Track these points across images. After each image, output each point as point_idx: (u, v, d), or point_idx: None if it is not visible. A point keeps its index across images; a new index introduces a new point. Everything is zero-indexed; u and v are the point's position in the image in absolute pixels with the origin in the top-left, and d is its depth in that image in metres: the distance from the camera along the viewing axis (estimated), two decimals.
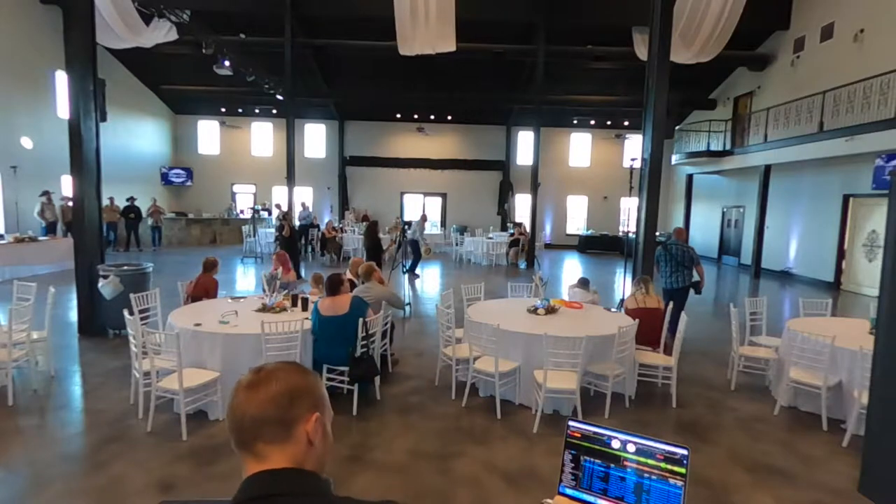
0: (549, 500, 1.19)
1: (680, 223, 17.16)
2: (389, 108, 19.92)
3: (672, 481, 1.09)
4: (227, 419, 0.92)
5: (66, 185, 13.19)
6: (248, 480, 0.88)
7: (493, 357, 4.36)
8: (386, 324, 5.15)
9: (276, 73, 14.09)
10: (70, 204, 12.58)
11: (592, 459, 1.16)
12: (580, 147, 20.64)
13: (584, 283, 6.67)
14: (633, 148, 18.82)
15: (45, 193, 12.51)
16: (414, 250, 12.25)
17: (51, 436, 3.92)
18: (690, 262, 6.68)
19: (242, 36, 14.21)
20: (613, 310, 5.97)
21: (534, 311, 5.21)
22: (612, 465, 1.14)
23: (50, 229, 12.34)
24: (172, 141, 20.21)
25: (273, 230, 14.70)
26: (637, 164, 7.38)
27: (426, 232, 15.40)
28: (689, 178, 17.40)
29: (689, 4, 10.56)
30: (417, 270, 12.19)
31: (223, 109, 19.79)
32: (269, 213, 17.65)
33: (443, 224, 20.43)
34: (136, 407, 4.21)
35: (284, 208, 14.94)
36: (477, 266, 14.51)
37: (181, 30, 12.05)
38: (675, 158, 17.18)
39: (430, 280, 12.06)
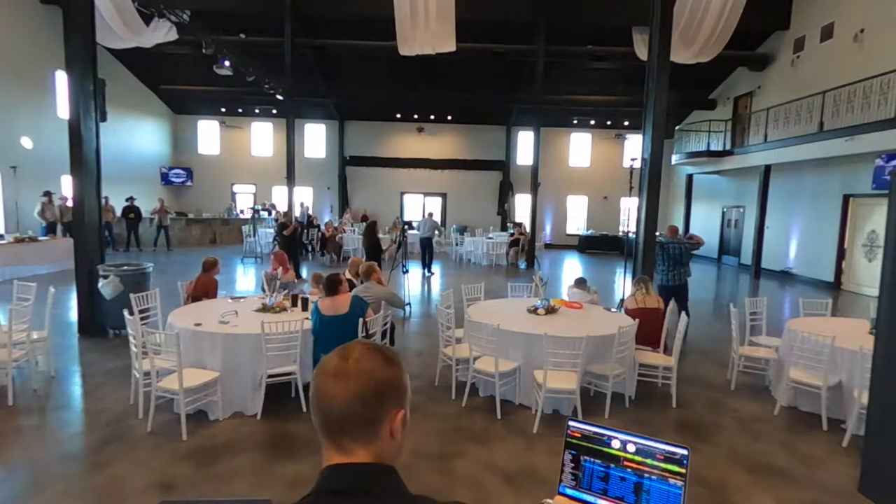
0: (549, 500, 1.19)
1: (680, 223, 17.16)
2: (389, 108, 19.92)
3: (672, 481, 1.09)
4: (313, 403, 0.90)
5: (66, 185, 13.19)
6: (331, 471, 0.87)
7: (493, 357, 4.36)
8: (386, 324, 5.15)
9: (276, 73, 14.10)
10: (69, 204, 12.63)
11: (592, 459, 1.16)
12: (580, 147, 20.65)
13: (581, 282, 6.67)
14: (633, 148, 18.83)
15: (47, 194, 12.51)
16: (428, 249, 12.68)
17: (51, 436, 3.92)
18: (688, 258, 6.74)
19: (242, 36, 14.21)
20: (613, 310, 5.98)
21: (534, 311, 5.20)
22: (612, 465, 1.14)
23: (50, 229, 12.34)
24: (172, 141, 20.21)
25: (272, 230, 14.69)
26: (637, 164, 7.38)
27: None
28: (689, 178, 17.40)
29: (689, 4, 10.56)
30: (433, 269, 12.85)
31: (223, 109, 19.80)
32: (270, 213, 17.65)
33: (443, 224, 20.42)
34: (136, 407, 4.21)
35: (279, 208, 14.96)
36: (477, 266, 14.51)
37: (181, 30, 12.06)
38: (675, 158, 17.18)
39: (430, 280, 12.06)
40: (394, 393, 0.90)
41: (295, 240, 11.46)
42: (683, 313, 5.08)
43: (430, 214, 14.26)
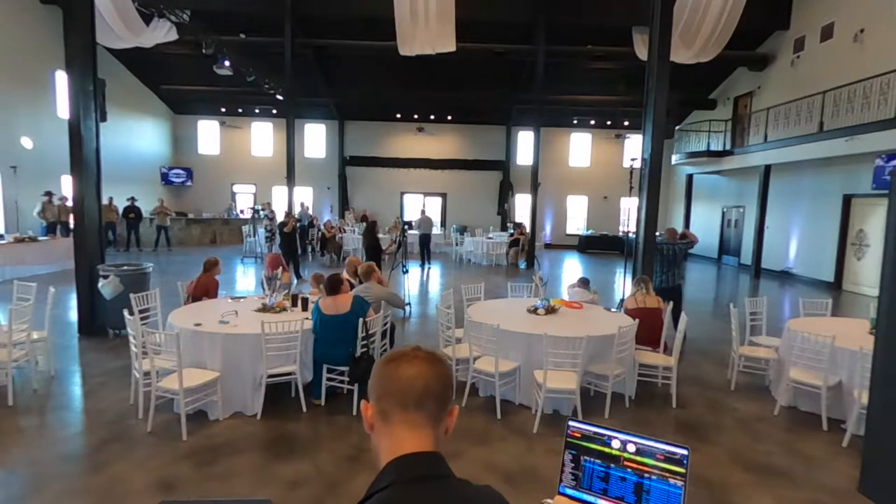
0: (549, 500, 1.19)
1: (680, 223, 17.17)
2: (389, 108, 19.92)
3: (672, 481, 1.09)
4: (387, 383, 0.95)
5: (66, 185, 13.19)
6: (405, 459, 0.90)
7: (493, 357, 4.36)
8: (385, 324, 5.15)
9: (276, 73, 14.10)
10: (68, 203, 12.62)
11: (592, 459, 1.16)
12: (580, 147, 20.65)
13: (584, 282, 6.68)
14: (633, 148, 18.82)
15: (48, 193, 12.51)
16: (426, 245, 13.64)
17: (51, 436, 3.92)
18: (683, 258, 6.76)
19: (242, 36, 14.21)
20: (613, 310, 5.98)
21: (534, 311, 5.20)
22: (613, 465, 1.14)
23: (50, 229, 12.34)
24: (172, 141, 20.21)
25: (263, 230, 14.66)
26: (637, 164, 7.38)
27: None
28: (689, 178, 17.40)
29: (689, 4, 10.56)
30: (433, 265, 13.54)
31: (223, 109, 19.79)
32: (262, 212, 17.61)
33: (443, 224, 20.42)
34: (136, 407, 4.21)
35: (271, 207, 14.96)
36: (477, 266, 14.51)
37: (181, 30, 12.05)
38: (675, 158, 17.17)
39: (430, 280, 12.06)
40: (453, 388, 1.00)
41: (294, 239, 11.44)
42: (683, 313, 5.08)
43: (423, 212, 15.27)
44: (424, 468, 0.90)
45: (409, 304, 8.47)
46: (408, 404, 0.93)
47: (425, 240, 13.74)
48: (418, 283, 11.35)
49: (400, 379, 0.94)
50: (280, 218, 12.79)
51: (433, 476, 0.89)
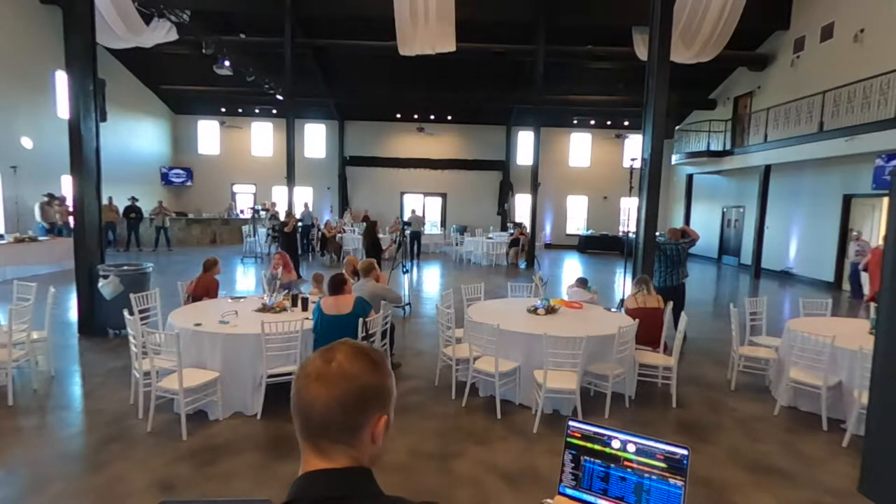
0: (549, 500, 1.19)
1: (680, 223, 17.14)
2: (389, 108, 19.92)
3: (672, 481, 1.09)
4: (293, 404, 0.88)
5: (67, 185, 13.19)
6: (307, 478, 0.86)
7: (493, 357, 4.36)
8: (386, 324, 5.15)
9: (276, 73, 14.10)
10: (68, 205, 12.62)
11: (592, 459, 1.16)
12: (580, 147, 20.65)
13: (582, 282, 6.68)
14: (633, 148, 18.82)
15: (49, 196, 12.48)
16: (416, 241, 14.74)
17: (51, 436, 3.92)
18: (685, 257, 6.77)
19: (242, 36, 14.21)
20: (613, 310, 5.98)
21: (534, 311, 5.20)
22: (613, 465, 1.14)
23: (50, 230, 12.32)
24: (172, 141, 20.21)
25: (266, 229, 14.67)
26: (637, 164, 7.38)
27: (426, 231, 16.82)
28: (689, 178, 17.40)
29: (689, 4, 10.57)
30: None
31: (223, 109, 19.80)
32: (266, 211, 17.64)
33: (443, 224, 20.43)
34: (136, 407, 4.20)
35: (276, 208, 14.99)
36: (477, 266, 14.51)
37: (181, 30, 12.06)
38: (675, 158, 17.17)
39: (430, 280, 12.07)
40: (377, 399, 0.88)
41: (295, 239, 11.44)
42: (683, 313, 5.08)
43: (413, 211, 16.77)
44: (324, 489, 0.84)
45: (409, 304, 8.47)
46: (308, 432, 0.87)
47: (415, 236, 14.76)
48: (416, 280, 11.35)
49: (301, 402, 0.86)
50: (282, 218, 12.80)
51: (330, 498, 0.83)
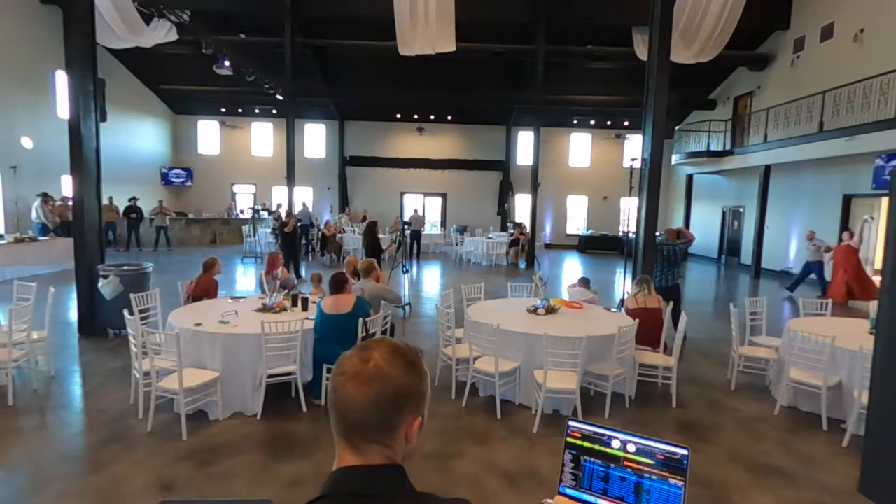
0: (549, 500, 1.19)
1: (680, 223, 17.16)
2: (389, 108, 19.92)
3: (672, 481, 1.09)
4: (330, 402, 0.90)
5: (67, 185, 13.19)
6: (343, 473, 0.87)
7: (493, 357, 4.36)
8: (386, 324, 5.15)
9: (276, 73, 14.10)
10: (63, 203, 12.62)
11: (592, 459, 1.16)
12: (580, 147, 20.65)
13: (584, 282, 6.69)
14: (633, 148, 18.83)
15: (43, 195, 12.47)
16: (417, 240, 15.10)
17: (51, 436, 3.92)
18: (681, 258, 6.80)
19: (242, 36, 14.21)
20: (613, 310, 5.98)
21: (534, 311, 5.20)
22: (613, 465, 1.14)
23: (47, 230, 12.31)
24: (172, 141, 20.21)
25: (269, 230, 14.69)
26: (637, 164, 7.38)
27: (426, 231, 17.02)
28: (689, 178, 17.40)
29: (689, 4, 10.57)
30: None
31: (223, 109, 19.79)
32: (269, 213, 17.66)
33: (443, 224, 20.43)
34: (136, 407, 4.20)
35: (281, 209, 15.01)
36: (477, 266, 14.50)
37: (181, 30, 12.06)
38: (675, 158, 17.17)
39: (430, 280, 12.07)
40: (412, 400, 0.89)
41: (295, 238, 11.44)
42: (683, 313, 5.08)
43: (416, 210, 17.03)
44: (359, 485, 0.85)
45: (409, 304, 8.47)
46: (343, 430, 0.88)
47: (415, 236, 15.06)
48: (417, 280, 11.35)
49: (337, 401, 0.88)
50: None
51: (366, 495, 0.84)
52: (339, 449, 0.89)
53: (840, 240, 10.47)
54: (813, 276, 10.84)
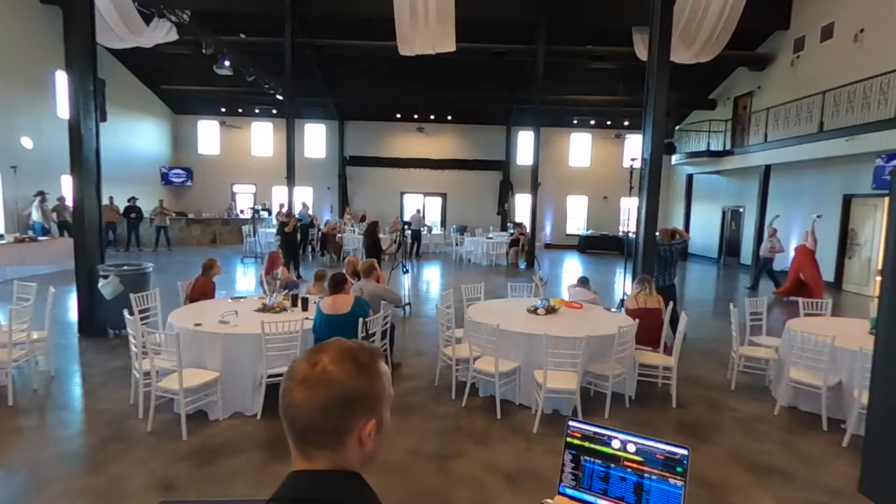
0: (549, 500, 1.19)
1: (680, 223, 17.17)
2: (389, 108, 19.92)
3: (672, 481, 1.09)
4: (280, 405, 0.88)
5: (67, 185, 13.18)
6: (292, 477, 0.87)
7: (493, 357, 4.36)
8: (386, 324, 5.15)
9: (276, 73, 14.09)
10: (67, 203, 12.60)
11: (592, 459, 1.16)
12: (580, 147, 20.65)
13: (584, 281, 6.69)
14: (633, 148, 18.82)
15: (40, 194, 12.46)
16: (417, 239, 15.40)
17: (51, 436, 3.92)
18: (677, 258, 6.84)
19: (242, 36, 14.21)
20: (613, 310, 5.98)
21: (534, 311, 5.20)
22: (613, 465, 1.14)
23: (46, 230, 12.31)
24: (172, 141, 20.21)
25: (272, 229, 14.70)
26: (637, 164, 7.38)
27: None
28: (689, 178, 17.40)
29: (689, 4, 10.56)
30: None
31: (223, 109, 19.79)
32: (270, 213, 17.65)
33: (443, 224, 20.42)
34: (136, 407, 4.20)
35: (286, 208, 15.01)
36: (477, 266, 14.50)
37: (181, 30, 12.05)
38: (675, 158, 17.17)
39: (430, 280, 12.06)
40: (364, 401, 0.86)
41: (295, 238, 11.43)
42: (683, 313, 5.08)
43: (418, 210, 17.38)
44: (304, 490, 0.84)
45: (409, 304, 8.47)
46: (293, 436, 0.87)
47: (415, 235, 15.38)
48: (418, 280, 11.35)
49: (286, 406, 0.86)
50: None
51: (310, 500, 0.83)
52: (292, 453, 0.88)
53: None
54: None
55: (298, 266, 11.32)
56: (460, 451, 3.78)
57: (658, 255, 6.81)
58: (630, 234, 8.97)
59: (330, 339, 0.92)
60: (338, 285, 4.50)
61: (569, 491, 1.18)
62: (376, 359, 0.90)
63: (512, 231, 16.20)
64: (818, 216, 10.25)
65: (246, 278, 11.50)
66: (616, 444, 1.15)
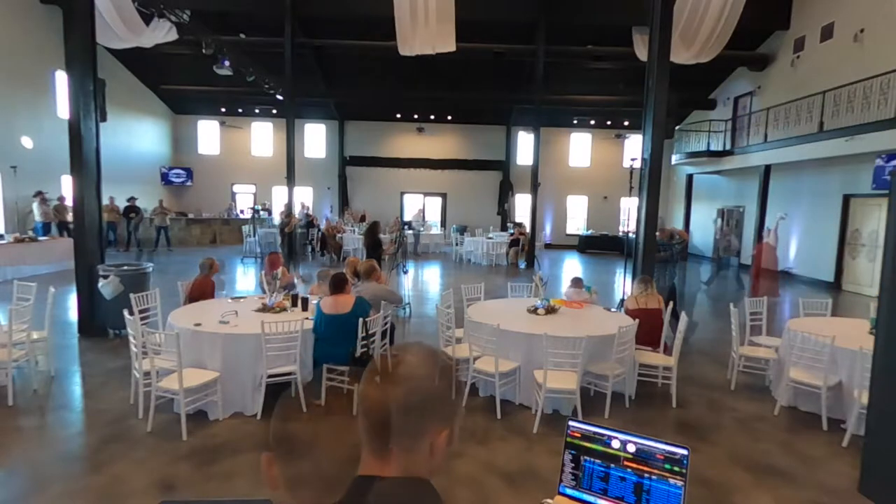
0: (549, 500, 1.19)
1: (680, 223, 17.17)
2: (389, 108, 19.92)
3: (672, 481, 1.09)
4: (359, 402, 0.87)
5: (67, 185, 13.18)
6: (361, 482, 0.84)
7: (493, 357, 4.36)
8: (386, 324, 5.15)
9: (276, 73, 14.09)
10: (67, 203, 12.61)
11: (592, 459, 1.16)
12: (580, 147, 20.64)
13: (577, 282, 6.68)
14: (633, 148, 18.82)
15: (39, 194, 12.46)
16: (417, 238, 15.79)
17: (51, 436, 3.92)
18: (682, 258, 6.83)
19: (242, 36, 14.20)
20: (613, 310, 5.98)
21: (534, 311, 5.20)
22: (612, 465, 1.14)
23: (46, 229, 12.32)
24: (172, 141, 20.21)
25: (272, 230, 14.70)
26: (637, 164, 7.38)
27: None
28: (689, 178, 17.40)
29: (689, 4, 10.56)
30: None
31: (223, 109, 19.78)
32: (269, 213, 17.65)
33: (443, 224, 20.42)
34: (136, 407, 4.20)
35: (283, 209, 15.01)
36: (477, 266, 14.50)
37: (181, 30, 12.04)
38: (675, 158, 17.16)
39: (430, 280, 12.06)
40: (441, 409, 0.86)
41: (293, 238, 11.43)
42: (683, 314, 5.08)
43: (420, 210, 18.03)
44: (374, 495, 0.82)
45: (409, 304, 8.46)
46: (366, 433, 0.86)
47: (415, 235, 15.88)
48: (419, 280, 11.35)
49: (361, 401, 0.86)
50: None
51: None
52: (363, 453, 0.87)
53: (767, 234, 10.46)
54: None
55: (298, 266, 11.32)
56: (460, 451, 3.77)
57: (658, 252, 6.81)
58: (630, 235, 8.97)
59: (413, 342, 0.93)
60: (339, 285, 4.51)
61: (569, 491, 1.18)
62: (455, 370, 0.92)
63: (512, 231, 16.20)
64: (783, 216, 10.35)
65: (246, 278, 11.50)
66: (616, 444, 1.15)
